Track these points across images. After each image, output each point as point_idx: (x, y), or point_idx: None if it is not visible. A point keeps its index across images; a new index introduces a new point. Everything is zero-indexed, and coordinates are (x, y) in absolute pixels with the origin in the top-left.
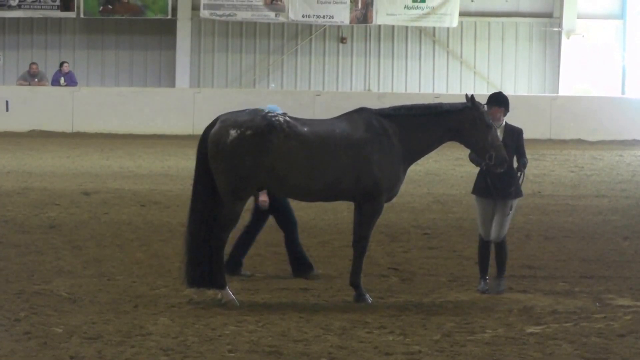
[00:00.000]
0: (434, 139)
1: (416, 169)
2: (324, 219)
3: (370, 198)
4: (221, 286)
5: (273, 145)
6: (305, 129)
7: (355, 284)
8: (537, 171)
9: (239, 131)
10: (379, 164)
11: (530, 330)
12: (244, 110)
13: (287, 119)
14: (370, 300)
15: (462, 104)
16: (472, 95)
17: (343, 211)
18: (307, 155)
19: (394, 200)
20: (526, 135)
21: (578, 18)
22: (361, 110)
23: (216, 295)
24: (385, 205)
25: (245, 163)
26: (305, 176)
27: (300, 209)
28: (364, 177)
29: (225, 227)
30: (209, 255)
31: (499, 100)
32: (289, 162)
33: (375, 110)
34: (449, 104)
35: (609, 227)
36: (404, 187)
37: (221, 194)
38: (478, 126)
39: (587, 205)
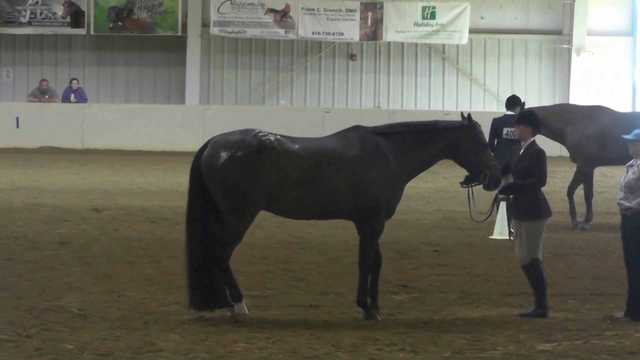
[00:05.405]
0: (430, 157)
1: (426, 186)
2: (333, 235)
3: (369, 217)
4: (238, 299)
5: (265, 165)
6: (297, 147)
7: (362, 303)
8: (547, 188)
9: (229, 153)
10: (376, 183)
11: (541, 347)
12: (235, 131)
13: (279, 137)
14: (380, 317)
15: (458, 122)
16: (469, 114)
17: (352, 228)
18: (300, 173)
19: (404, 217)
20: None
21: (588, 35)
22: (356, 128)
23: (226, 313)
24: (395, 222)
25: (239, 184)
26: (299, 195)
27: (309, 225)
28: (362, 196)
29: (228, 244)
30: (209, 277)
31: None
32: (282, 181)
33: (370, 128)
34: (445, 121)
35: (620, 244)
36: (413, 204)
37: (224, 214)
38: (474, 145)
39: (598, 223)
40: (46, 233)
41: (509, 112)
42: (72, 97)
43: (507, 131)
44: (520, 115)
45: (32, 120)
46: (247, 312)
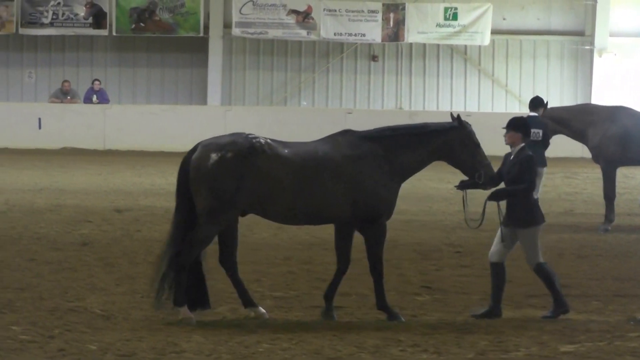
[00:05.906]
0: (420, 159)
1: (447, 187)
2: (354, 236)
3: (370, 222)
4: (180, 304)
5: (254, 168)
6: (287, 151)
7: (383, 307)
8: (569, 189)
9: (219, 154)
10: (370, 186)
11: (564, 349)
12: (225, 135)
13: (269, 141)
14: (403, 318)
15: (449, 123)
16: (458, 115)
17: None
18: (289, 177)
19: (426, 218)
20: (558, 153)
21: (610, 36)
22: (345, 133)
23: (249, 314)
24: (417, 223)
25: (226, 186)
26: (288, 199)
27: (326, 227)
28: (357, 200)
29: (196, 246)
30: (197, 279)
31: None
32: (271, 185)
33: (361, 132)
34: (435, 123)
35: None
36: (435, 205)
37: (199, 215)
38: (467, 146)
39: (620, 224)
40: (68, 234)
41: (532, 114)
42: (95, 98)
43: (532, 132)
44: (511, 121)
45: (54, 121)
46: (191, 315)
